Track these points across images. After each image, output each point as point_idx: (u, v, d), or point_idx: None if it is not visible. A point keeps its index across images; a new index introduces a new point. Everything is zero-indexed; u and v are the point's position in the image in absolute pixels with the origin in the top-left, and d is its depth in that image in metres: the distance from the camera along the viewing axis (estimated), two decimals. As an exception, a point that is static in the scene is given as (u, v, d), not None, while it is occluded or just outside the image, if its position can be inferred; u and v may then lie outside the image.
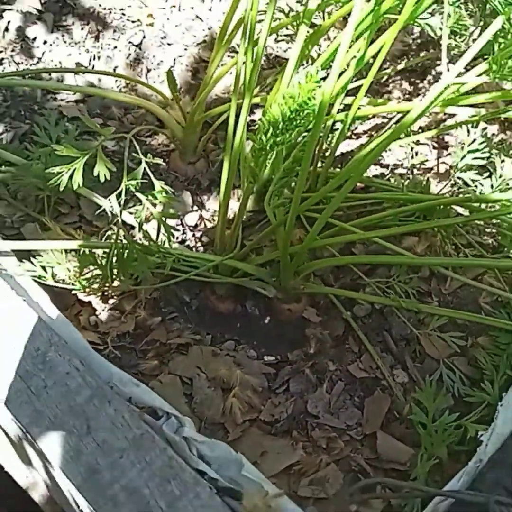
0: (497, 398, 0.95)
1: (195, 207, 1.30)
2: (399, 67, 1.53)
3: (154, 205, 1.03)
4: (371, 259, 1.13)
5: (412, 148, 1.31)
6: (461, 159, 1.09)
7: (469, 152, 1.08)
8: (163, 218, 1.01)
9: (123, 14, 1.63)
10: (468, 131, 1.11)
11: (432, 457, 0.92)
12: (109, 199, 1.00)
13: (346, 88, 1.07)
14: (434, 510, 0.79)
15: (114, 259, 1.03)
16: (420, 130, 1.38)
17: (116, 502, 0.79)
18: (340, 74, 1.03)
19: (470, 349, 1.08)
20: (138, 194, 1.01)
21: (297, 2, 1.40)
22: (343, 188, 0.97)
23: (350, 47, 0.96)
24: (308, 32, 1.02)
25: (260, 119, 1.01)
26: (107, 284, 1.15)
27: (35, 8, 1.62)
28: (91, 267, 1.08)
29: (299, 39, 0.95)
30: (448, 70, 0.85)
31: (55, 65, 1.53)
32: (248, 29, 0.92)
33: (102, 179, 0.99)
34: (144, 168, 1.01)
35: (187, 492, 0.80)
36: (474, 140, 1.09)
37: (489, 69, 0.86)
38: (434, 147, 1.41)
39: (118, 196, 0.98)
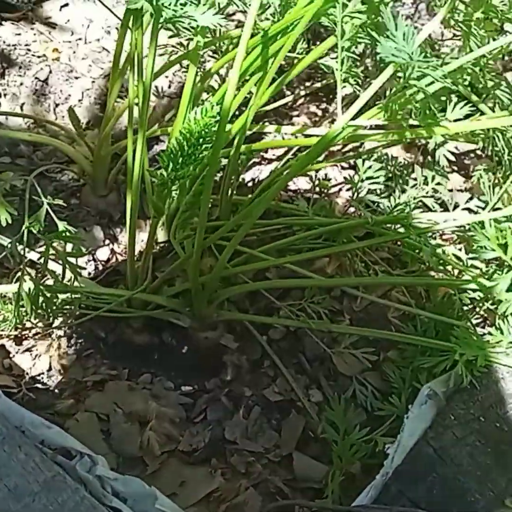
0: (404, 410, 0.98)
1: (107, 241, 1.30)
2: (305, 92, 1.58)
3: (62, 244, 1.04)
4: (282, 283, 1.15)
5: (317, 170, 1.33)
6: (359, 183, 1.12)
7: (367, 178, 1.12)
8: (68, 257, 1.01)
9: (29, 50, 1.62)
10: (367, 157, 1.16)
11: (344, 473, 0.94)
12: (10, 242, 1.00)
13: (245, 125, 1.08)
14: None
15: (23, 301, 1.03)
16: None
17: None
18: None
19: (381, 363, 1.12)
20: (40, 236, 1.01)
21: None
22: (248, 219, 1.00)
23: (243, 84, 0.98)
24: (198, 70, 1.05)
25: (159, 154, 1.03)
26: (19, 326, 1.14)
27: None
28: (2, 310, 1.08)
29: (189, 79, 0.98)
30: (343, 113, 0.88)
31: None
32: (135, 65, 0.93)
33: (3, 223, 1.00)
34: (47, 208, 1.02)
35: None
36: (370, 166, 1.13)
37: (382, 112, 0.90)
38: (342, 168, 1.45)
39: (21, 238, 0.98)
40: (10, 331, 1.11)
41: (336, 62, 0.90)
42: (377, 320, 1.18)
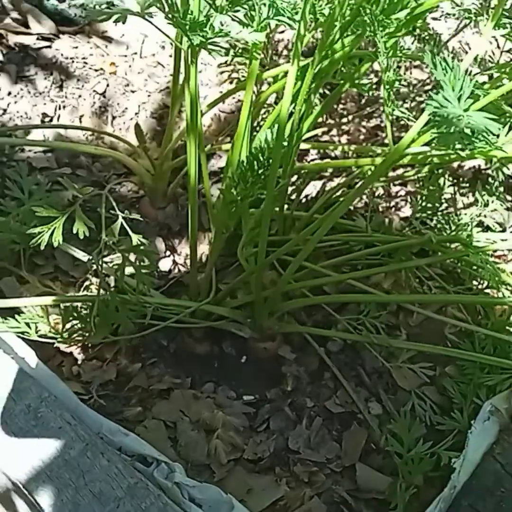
0: (467, 425, 1.01)
1: (168, 252, 1.35)
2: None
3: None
4: (341, 298, 1.19)
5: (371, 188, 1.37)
6: (420, 203, 1.16)
7: (425, 197, 1.15)
8: (141, 270, 1.05)
9: (86, 63, 1.67)
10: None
11: (410, 485, 0.98)
12: (89, 254, 1.05)
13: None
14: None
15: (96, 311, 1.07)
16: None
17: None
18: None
19: (438, 378, 1.15)
20: (118, 252, 1.06)
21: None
22: (316, 235, 1.03)
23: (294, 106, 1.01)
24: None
25: (226, 173, 1.07)
26: (87, 335, 1.19)
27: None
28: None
29: (244, 107, 1.02)
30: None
31: (21, 116, 1.56)
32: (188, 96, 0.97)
33: (81, 236, 1.04)
34: (121, 223, 1.06)
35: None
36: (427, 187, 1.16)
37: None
38: (393, 184, 1.48)
39: (99, 252, 1.03)
40: (79, 340, 1.15)
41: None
42: (433, 336, 1.21)
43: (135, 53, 1.71)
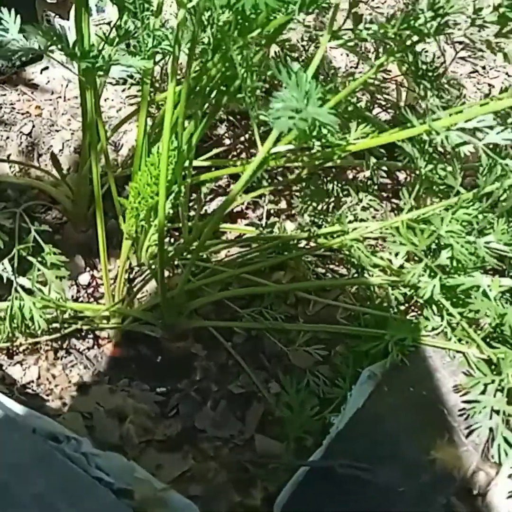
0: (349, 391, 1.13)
1: (88, 268, 1.46)
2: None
3: (47, 268, 1.20)
4: (241, 292, 1.31)
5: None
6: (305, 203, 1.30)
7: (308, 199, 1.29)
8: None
9: (13, 108, 1.81)
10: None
11: (299, 447, 1.08)
12: (2, 263, 1.16)
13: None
14: (296, 479, 0.95)
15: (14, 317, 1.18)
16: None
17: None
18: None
19: (331, 357, 1.27)
20: (30, 258, 1.18)
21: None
22: (203, 236, 1.16)
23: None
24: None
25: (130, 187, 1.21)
26: (9, 342, 1.29)
27: None
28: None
29: (140, 127, 1.16)
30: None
31: None
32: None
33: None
34: (34, 236, 1.18)
35: (87, 494, 0.93)
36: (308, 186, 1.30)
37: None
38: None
39: (11, 260, 1.15)
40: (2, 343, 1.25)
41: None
42: (327, 321, 1.33)
43: (60, 97, 1.85)
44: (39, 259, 1.18)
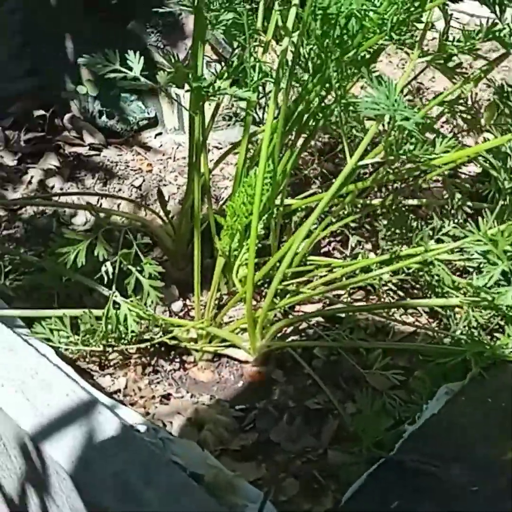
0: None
1: (181, 298, 1.54)
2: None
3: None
4: (321, 313, 1.34)
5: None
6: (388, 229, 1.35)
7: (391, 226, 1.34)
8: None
9: (127, 166, 1.99)
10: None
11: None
12: (105, 265, 1.27)
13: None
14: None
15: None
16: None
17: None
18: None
19: (409, 383, 1.26)
20: (130, 267, 1.28)
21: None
22: (287, 257, 1.23)
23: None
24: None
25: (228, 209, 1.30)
26: (104, 357, 1.37)
27: (54, 165, 1.98)
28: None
29: (240, 155, 1.27)
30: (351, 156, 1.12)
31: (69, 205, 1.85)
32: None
33: (100, 258, 1.26)
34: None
35: (162, 473, 0.96)
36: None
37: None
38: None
39: (113, 263, 1.25)
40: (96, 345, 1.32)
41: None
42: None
43: (169, 158, 2.02)
44: (138, 268, 1.27)
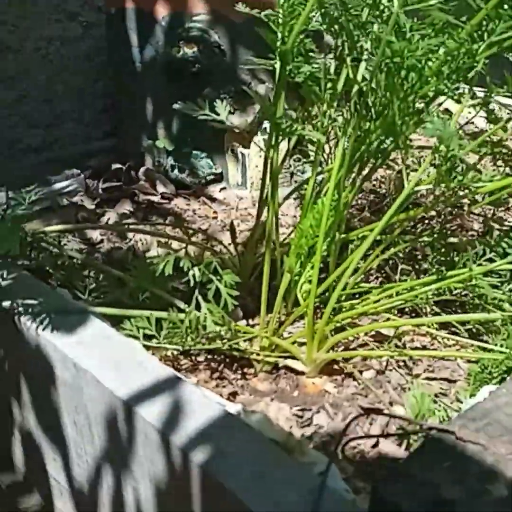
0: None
1: (244, 320, 1.72)
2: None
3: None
4: (374, 327, 1.51)
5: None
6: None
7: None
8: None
9: (195, 213, 2.22)
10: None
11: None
12: (192, 270, 1.46)
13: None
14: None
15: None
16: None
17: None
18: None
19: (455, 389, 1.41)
20: (211, 276, 1.47)
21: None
22: (338, 285, 1.41)
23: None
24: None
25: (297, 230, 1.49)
26: (176, 362, 1.54)
27: (129, 210, 2.22)
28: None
29: (309, 187, 1.48)
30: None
31: (142, 242, 2.07)
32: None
33: (185, 270, 1.46)
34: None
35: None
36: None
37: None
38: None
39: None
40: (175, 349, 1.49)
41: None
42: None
43: (232, 208, 2.25)
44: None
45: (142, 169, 2.34)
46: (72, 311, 1.43)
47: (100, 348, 1.32)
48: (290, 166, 2.27)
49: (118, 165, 2.37)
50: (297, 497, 0.97)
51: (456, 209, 1.91)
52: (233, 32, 2.12)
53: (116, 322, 1.47)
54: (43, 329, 1.37)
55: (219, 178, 2.33)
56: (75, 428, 1.39)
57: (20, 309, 1.42)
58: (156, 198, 2.26)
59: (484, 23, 1.20)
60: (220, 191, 2.32)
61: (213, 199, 2.28)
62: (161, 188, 2.28)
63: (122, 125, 2.48)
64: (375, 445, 1.31)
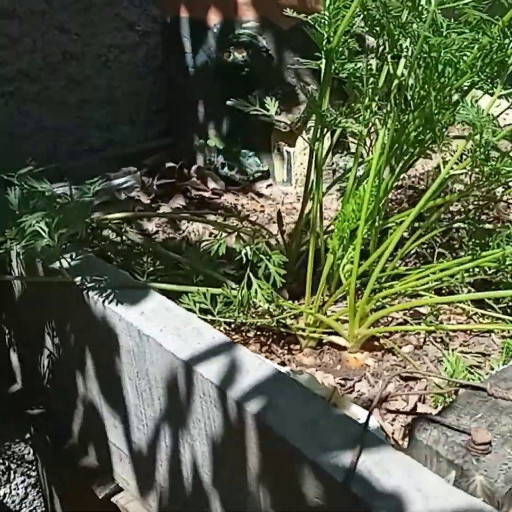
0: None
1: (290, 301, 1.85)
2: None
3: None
4: (412, 304, 1.62)
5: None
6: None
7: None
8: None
9: (244, 207, 2.36)
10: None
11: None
12: (245, 249, 1.59)
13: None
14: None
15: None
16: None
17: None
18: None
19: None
20: (261, 256, 1.60)
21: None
22: (378, 265, 1.53)
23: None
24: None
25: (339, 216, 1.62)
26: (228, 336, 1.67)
27: (181, 205, 2.37)
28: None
29: (351, 177, 1.60)
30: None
31: (195, 233, 2.22)
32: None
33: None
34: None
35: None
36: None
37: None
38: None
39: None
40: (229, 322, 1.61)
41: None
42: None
43: (278, 203, 2.38)
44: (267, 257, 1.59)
45: (194, 167, 2.49)
46: (135, 286, 1.58)
47: (161, 318, 1.45)
48: (333, 163, 2.39)
49: (172, 164, 2.52)
50: (340, 441, 1.09)
51: (492, 203, 2.01)
52: (280, 38, 2.26)
53: (174, 298, 1.61)
54: (109, 302, 1.51)
55: (266, 175, 2.47)
56: (136, 393, 1.53)
57: (89, 285, 1.56)
58: (207, 194, 2.40)
59: (515, 20, 1.32)
60: (267, 187, 2.46)
61: (260, 195, 2.42)
62: (211, 184, 2.42)
63: (175, 126, 2.64)
64: (413, 409, 1.42)
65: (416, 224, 1.68)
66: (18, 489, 2.50)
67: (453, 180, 1.65)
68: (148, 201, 2.39)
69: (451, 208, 1.99)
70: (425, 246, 1.82)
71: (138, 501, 1.70)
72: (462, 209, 1.84)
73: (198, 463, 1.39)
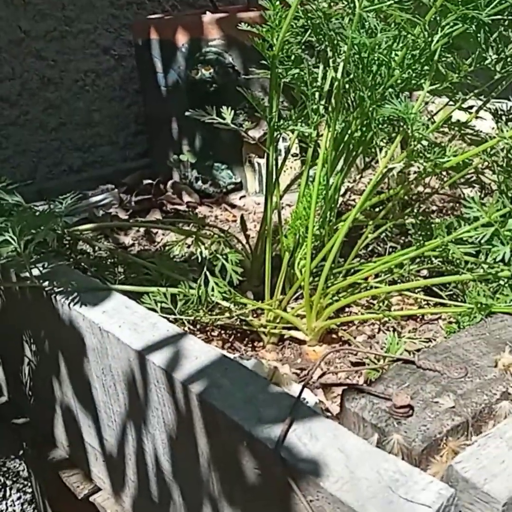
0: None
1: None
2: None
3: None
4: (371, 293, 1.69)
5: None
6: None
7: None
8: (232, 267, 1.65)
9: (216, 218, 2.44)
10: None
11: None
12: (202, 250, 1.66)
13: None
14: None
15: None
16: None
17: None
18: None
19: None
20: (218, 255, 1.67)
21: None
22: (328, 259, 1.60)
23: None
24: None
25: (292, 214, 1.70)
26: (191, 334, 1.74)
27: (158, 219, 2.45)
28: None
29: (303, 177, 1.69)
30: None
31: (169, 244, 2.29)
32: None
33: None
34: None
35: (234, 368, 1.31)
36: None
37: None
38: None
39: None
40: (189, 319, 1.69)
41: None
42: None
43: (250, 213, 2.46)
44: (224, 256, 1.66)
45: (169, 182, 2.58)
46: (99, 289, 1.66)
47: (121, 315, 1.52)
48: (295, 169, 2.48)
49: (149, 181, 2.62)
50: (275, 413, 1.15)
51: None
52: (245, 53, 2.36)
53: (137, 299, 1.69)
54: (74, 304, 1.59)
55: (238, 187, 2.55)
56: (103, 390, 1.60)
57: (57, 290, 1.64)
58: (182, 207, 2.49)
59: (438, 18, 1.40)
60: (240, 199, 2.54)
61: (233, 206, 2.51)
62: (186, 198, 2.51)
63: (152, 146, 2.74)
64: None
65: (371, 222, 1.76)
66: (14, 505, 2.54)
67: (399, 176, 1.73)
68: (126, 217, 2.47)
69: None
70: (380, 242, 1.90)
71: (113, 498, 1.76)
72: (411, 203, 1.91)
73: (159, 452, 1.45)
